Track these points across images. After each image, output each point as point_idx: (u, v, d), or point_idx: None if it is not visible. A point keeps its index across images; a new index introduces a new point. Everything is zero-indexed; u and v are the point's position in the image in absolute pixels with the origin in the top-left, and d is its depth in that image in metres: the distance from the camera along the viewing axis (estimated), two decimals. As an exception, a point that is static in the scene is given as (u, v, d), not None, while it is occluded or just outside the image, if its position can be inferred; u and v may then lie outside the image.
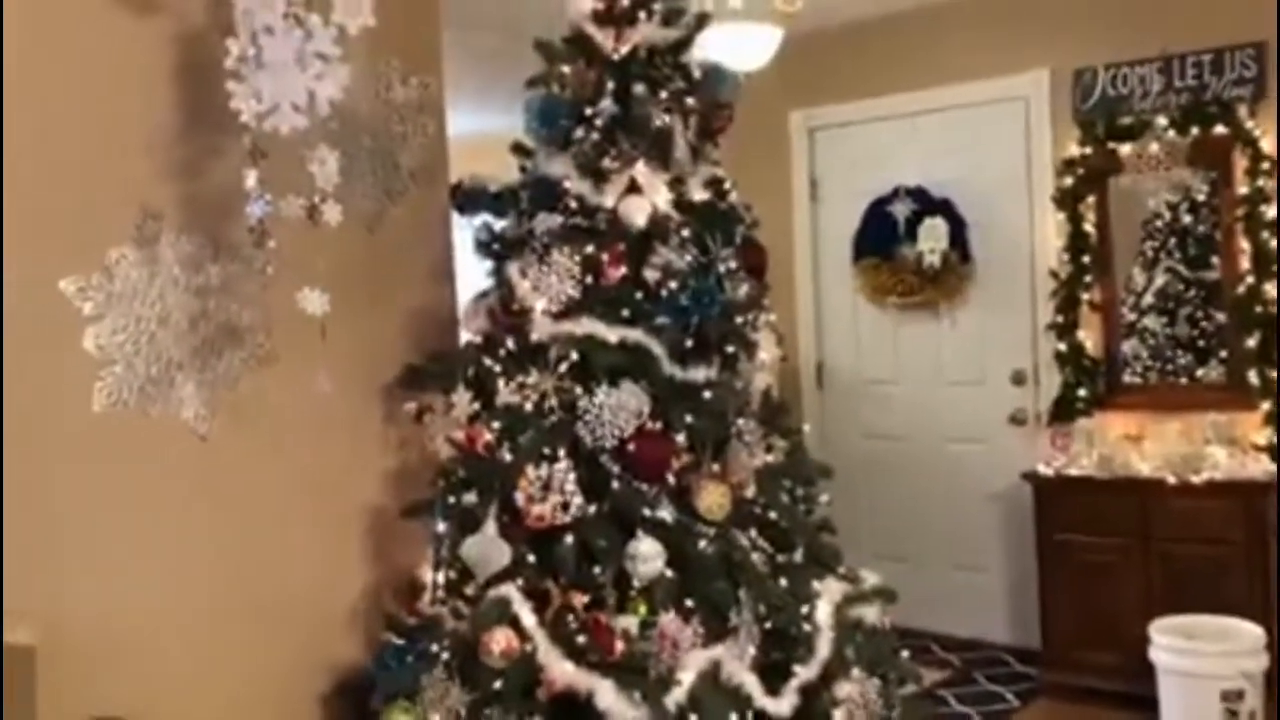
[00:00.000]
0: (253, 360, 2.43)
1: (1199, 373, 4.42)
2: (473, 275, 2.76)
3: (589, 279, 2.40)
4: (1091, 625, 4.20)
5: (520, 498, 2.30)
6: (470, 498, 2.40)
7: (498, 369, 2.47)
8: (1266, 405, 4.11)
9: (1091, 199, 4.55)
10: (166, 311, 2.28)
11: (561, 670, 2.20)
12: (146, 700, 2.17)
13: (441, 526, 2.45)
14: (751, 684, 2.26)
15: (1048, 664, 4.40)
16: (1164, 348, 4.51)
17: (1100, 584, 4.17)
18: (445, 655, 2.28)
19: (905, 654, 2.66)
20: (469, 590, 2.39)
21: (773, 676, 2.32)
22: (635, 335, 2.35)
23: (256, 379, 2.43)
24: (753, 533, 2.43)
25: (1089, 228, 4.57)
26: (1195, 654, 3.69)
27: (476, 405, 2.51)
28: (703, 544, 2.31)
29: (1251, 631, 3.70)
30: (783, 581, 2.40)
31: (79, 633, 2.12)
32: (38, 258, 2.10)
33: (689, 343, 2.38)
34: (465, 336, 2.73)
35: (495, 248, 2.63)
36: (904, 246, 5.06)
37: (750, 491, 2.41)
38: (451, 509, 2.44)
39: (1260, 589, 3.81)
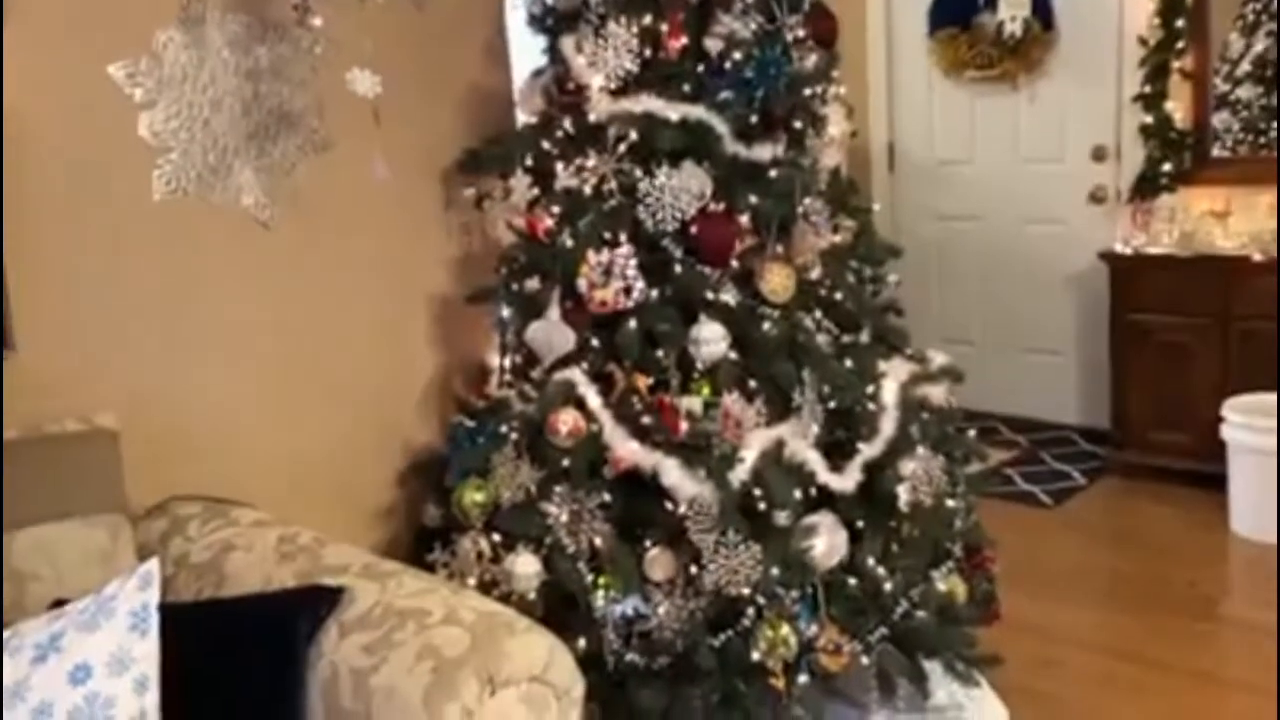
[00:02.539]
0: (308, 146, 2.39)
1: (1292, 144, 4.18)
2: (528, 54, 2.66)
3: (647, 52, 2.29)
4: (1164, 405, 4.16)
5: (582, 283, 2.28)
6: (533, 283, 2.39)
7: (555, 152, 2.41)
8: (1366, 177, 3.90)
9: (1191, -44, 4.21)
10: (218, 96, 2.24)
11: (627, 449, 2.23)
12: (225, 481, 2.24)
13: (506, 312, 2.45)
14: (815, 461, 2.28)
15: (1117, 443, 4.39)
16: (1258, 119, 4.26)
17: (1175, 364, 4.10)
18: (514, 436, 2.32)
19: (971, 433, 2.66)
20: (534, 374, 2.41)
21: (837, 455, 2.33)
22: (697, 112, 2.26)
23: (313, 165, 2.40)
24: (818, 314, 2.39)
25: (1185, -12, 4.25)
26: (1270, 431, 3.65)
27: (535, 190, 2.46)
28: (766, 326, 2.28)
29: (1330, 409, 3.64)
30: (847, 362, 2.38)
31: (159, 416, 2.18)
32: (84, 42, 2.05)
33: (753, 119, 2.29)
34: (522, 119, 2.66)
35: (549, 22, 2.51)
36: (983, 15, 4.77)
37: (816, 273, 2.36)
38: (514, 295, 2.43)
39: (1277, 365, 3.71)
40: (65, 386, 2.06)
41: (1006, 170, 4.98)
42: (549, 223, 2.39)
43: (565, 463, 2.27)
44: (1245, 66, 4.27)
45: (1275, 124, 4.22)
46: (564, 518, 2.26)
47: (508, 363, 2.47)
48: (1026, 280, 4.97)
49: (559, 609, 2.23)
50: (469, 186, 2.62)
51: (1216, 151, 4.34)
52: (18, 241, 1.98)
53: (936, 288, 5.09)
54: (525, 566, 2.26)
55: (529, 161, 2.48)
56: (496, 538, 2.34)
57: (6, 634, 1.54)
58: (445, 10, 2.59)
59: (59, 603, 1.69)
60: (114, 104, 2.11)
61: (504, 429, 2.36)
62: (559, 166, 2.40)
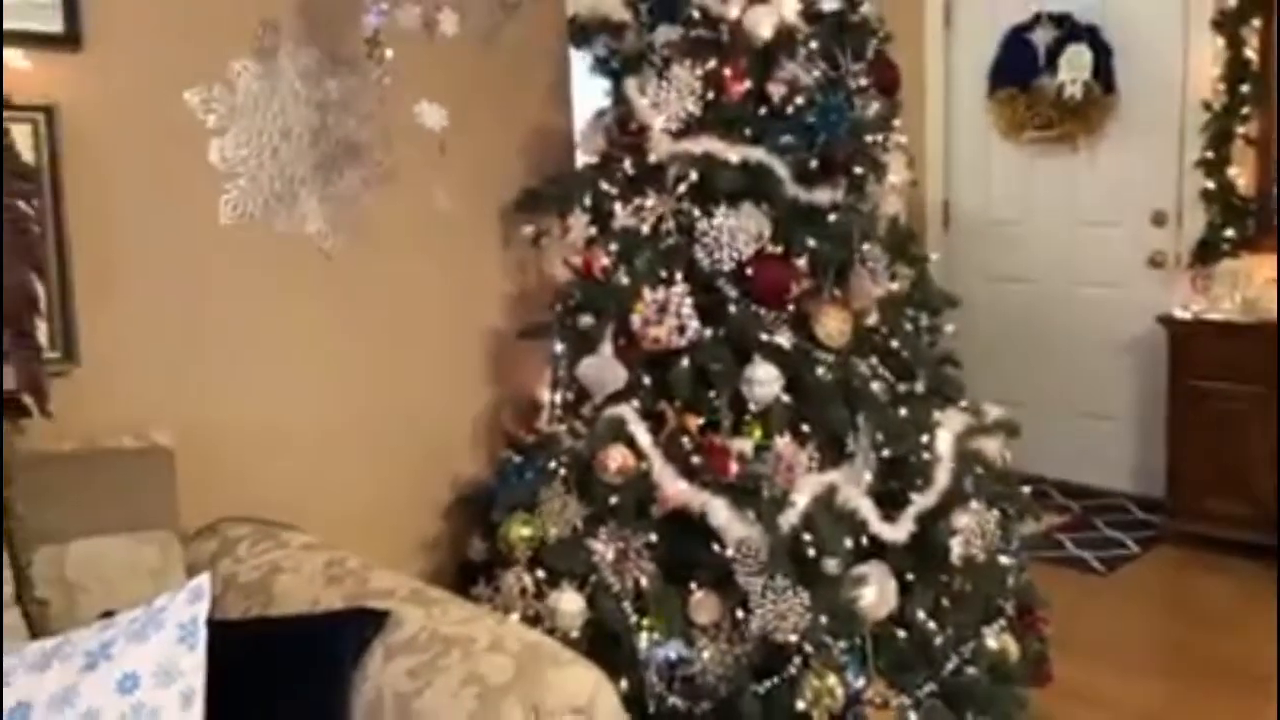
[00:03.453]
0: (372, 178, 2.43)
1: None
2: (590, 97, 2.69)
3: (710, 95, 2.31)
4: (1221, 474, 4.06)
5: (636, 320, 2.28)
6: (587, 320, 2.40)
7: (614, 191, 2.43)
8: None
9: (1256, 21, 4.19)
10: (288, 126, 2.29)
11: (676, 488, 2.22)
12: (273, 504, 2.25)
13: (559, 348, 2.46)
14: (867, 509, 2.25)
15: (1172, 512, 4.29)
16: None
17: (1234, 433, 4.01)
18: (563, 471, 2.32)
19: (1025, 490, 2.61)
20: (585, 410, 2.41)
21: (889, 504, 2.30)
22: (757, 154, 2.27)
23: (376, 197, 2.43)
24: (873, 360, 2.38)
25: (1251, 53, 4.22)
26: (1332, 505, 3.55)
27: (593, 229, 2.48)
28: (821, 370, 2.27)
29: (1396, 484, 3.53)
30: (902, 411, 2.36)
31: (213, 438, 2.21)
32: (163, 67, 2.11)
33: (814, 163, 2.30)
34: (582, 159, 2.69)
35: (613, 65, 2.55)
36: (1043, 77, 4.77)
37: (873, 319, 2.35)
38: (568, 331, 2.44)
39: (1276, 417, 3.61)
40: (124, 403, 2.09)
41: (1062, 232, 4.94)
42: (605, 261, 2.40)
43: (613, 500, 2.26)
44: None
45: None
46: (610, 556, 2.25)
47: (559, 398, 2.47)
48: (1080, 343, 4.91)
49: (602, 648, 2.20)
50: (527, 224, 2.64)
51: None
52: (88, 257, 2.02)
53: (986, 347, 5.04)
54: (569, 604, 2.24)
55: (587, 201, 2.50)
56: (541, 574, 2.33)
57: (58, 641, 1.55)
58: (511, 50, 2.64)
59: (107, 614, 1.69)
60: (188, 129, 2.16)
61: (552, 464, 2.36)
62: (617, 206, 2.42)
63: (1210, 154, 4.34)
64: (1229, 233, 4.29)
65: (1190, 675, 3.33)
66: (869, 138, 2.36)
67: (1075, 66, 4.64)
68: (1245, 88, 4.25)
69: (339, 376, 2.44)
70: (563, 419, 2.43)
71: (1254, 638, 3.56)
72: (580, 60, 2.75)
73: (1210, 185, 4.33)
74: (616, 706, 1.66)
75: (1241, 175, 4.31)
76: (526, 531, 2.33)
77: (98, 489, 1.92)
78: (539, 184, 2.62)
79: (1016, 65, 4.85)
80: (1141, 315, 4.52)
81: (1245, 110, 4.27)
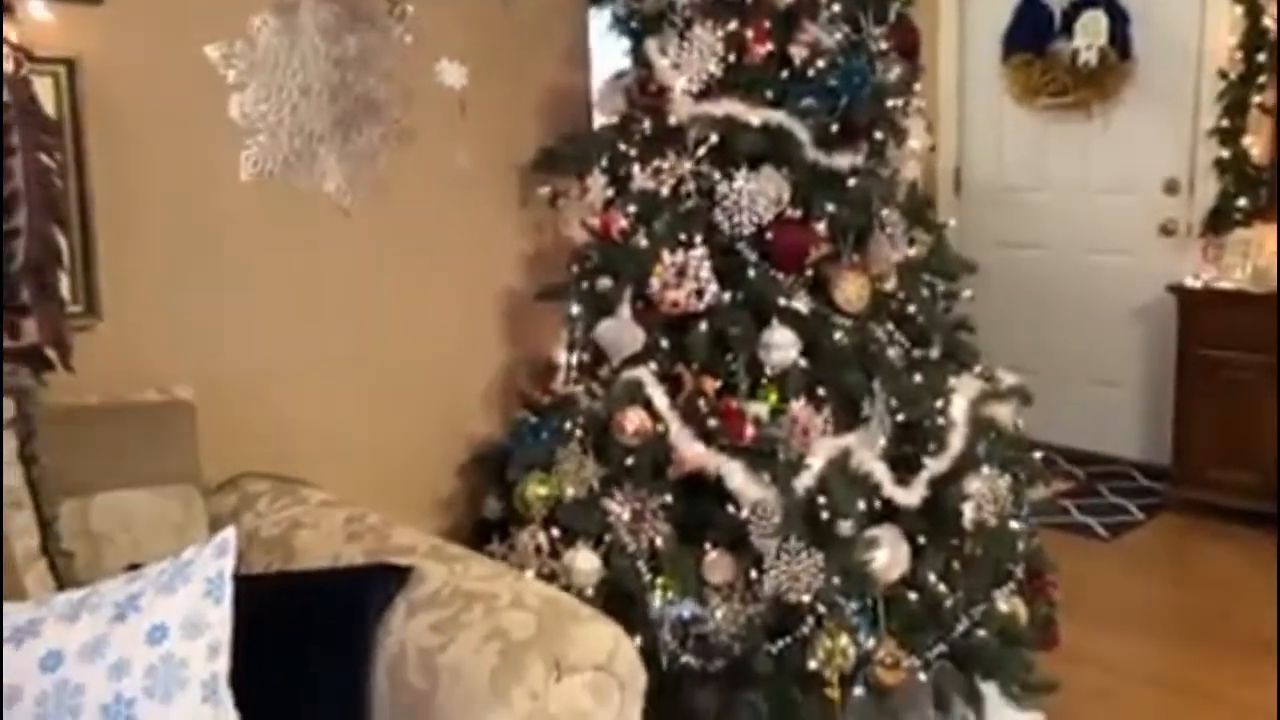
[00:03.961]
0: (391, 136, 2.41)
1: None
2: (608, 57, 2.68)
3: (732, 57, 2.30)
4: (1227, 442, 4.08)
5: (655, 283, 2.29)
6: (605, 282, 2.40)
7: (633, 153, 2.43)
8: None
9: (1275, -10, 4.16)
10: (307, 82, 2.27)
11: (693, 451, 2.23)
12: (291, 461, 2.27)
13: (576, 310, 2.47)
14: (881, 473, 2.26)
15: (1177, 480, 4.32)
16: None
17: (1241, 402, 4.03)
18: (579, 432, 2.33)
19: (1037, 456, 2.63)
20: (602, 372, 2.42)
21: (903, 468, 2.31)
22: (779, 117, 2.27)
23: (395, 155, 2.42)
24: (889, 326, 2.38)
25: (1269, 22, 4.19)
26: (1338, 475, 3.58)
27: (611, 190, 2.48)
28: (838, 335, 2.28)
29: (1402, 454, 3.55)
30: (917, 376, 2.37)
31: (233, 393, 2.22)
32: (184, 22, 2.10)
33: (834, 127, 2.29)
34: (600, 120, 2.68)
35: (633, 24, 2.53)
36: (1058, 43, 4.74)
37: (890, 284, 2.35)
38: (586, 293, 2.45)
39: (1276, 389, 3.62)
40: (146, 357, 2.10)
41: (1075, 199, 4.93)
42: (623, 223, 2.40)
43: (629, 461, 2.27)
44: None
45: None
46: (625, 516, 2.27)
47: (575, 360, 2.48)
48: (1090, 311, 4.91)
49: (616, 606, 2.21)
50: (544, 185, 2.63)
51: (1293, 188, 4.26)
52: (110, 211, 2.03)
53: (997, 314, 5.03)
54: (585, 562, 2.26)
55: (605, 162, 2.49)
56: (556, 533, 2.35)
57: (85, 592, 1.57)
58: (530, 8, 2.62)
59: (133, 567, 1.71)
60: (208, 84, 2.15)
61: (569, 425, 2.37)
62: (635, 168, 2.41)
63: (1225, 123, 4.32)
64: (1241, 202, 4.28)
65: (1193, 640, 3.37)
66: (890, 102, 2.35)
67: (1091, 32, 4.61)
68: (1262, 57, 4.22)
69: (356, 334, 2.45)
70: (579, 380, 2.43)
71: (1256, 604, 3.60)
72: (598, 19, 2.74)
73: (1224, 154, 4.32)
74: (635, 661, 1.69)
75: (1256, 145, 4.29)
76: (543, 491, 2.35)
77: (121, 442, 1.93)
78: (556, 144, 2.61)
79: (1031, 30, 4.82)
80: (1152, 284, 4.52)
81: (1261, 80, 4.24)
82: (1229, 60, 4.30)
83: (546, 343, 2.65)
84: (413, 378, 2.55)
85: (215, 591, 1.58)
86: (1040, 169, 5.02)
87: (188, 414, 2.04)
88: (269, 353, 2.30)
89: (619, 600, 2.26)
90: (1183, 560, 4.03)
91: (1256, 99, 4.26)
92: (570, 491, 2.33)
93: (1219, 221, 4.32)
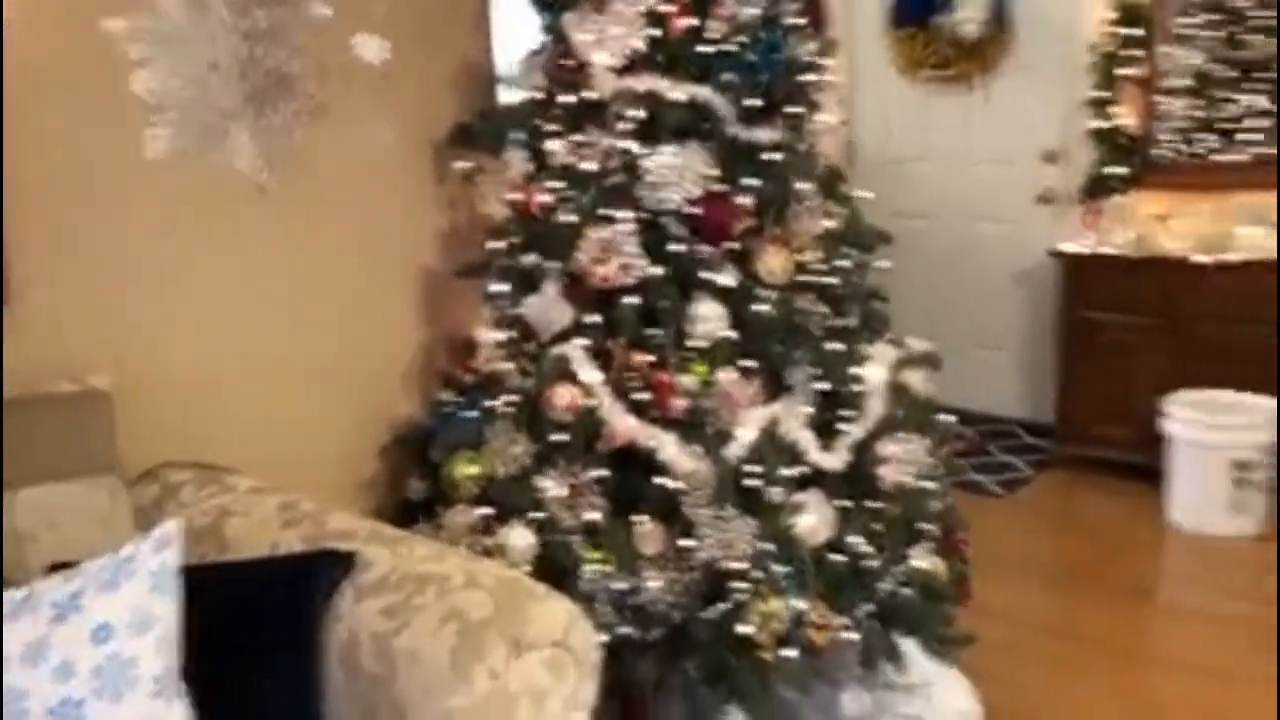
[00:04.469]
0: (304, 111, 2.36)
1: (1234, 154, 4.34)
2: (516, 31, 2.66)
3: (652, 32, 2.30)
4: (1108, 400, 4.30)
5: (583, 259, 2.29)
6: (529, 258, 2.39)
7: (553, 128, 2.41)
8: (1303, 185, 4.07)
9: (1144, -33, 4.36)
10: (216, 57, 2.20)
11: (624, 424, 2.25)
12: (214, 447, 2.22)
13: (499, 287, 2.45)
14: (807, 440, 2.32)
15: (1061, 437, 4.53)
16: (1193, 130, 4.42)
17: (1121, 361, 4.24)
18: (509, 409, 2.32)
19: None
20: (528, 349, 2.41)
21: (825, 435, 2.37)
22: (702, 93, 2.28)
23: (309, 131, 2.37)
24: (809, 296, 2.43)
25: (1138, -2, 4.39)
26: (1209, 426, 3.80)
27: (530, 166, 2.46)
28: (763, 306, 2.31)
29: (1266, 405, 3.80)
30: (837, 345, 2.42)
31: (147, 380, 2.14)
32: (84, -5, 2.01)
33: (755, 101, 2.32)
34: (517, 95, 2.65)
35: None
36: (941, 15, 4.87)
37: (810, 256, 2.40)
38: (509, 270, 2.43)
39: (1276, 365, 3.87)
40: (58, 346, 2.01)
41: (958, 170, 5.09)
42: (545, 199, 2.39)
43: (561, 437, 2.27)
44: (1185, 79, 4.43)
45: (1212, 133, 4.40)
46: (559, 492, 2.27)
47: (500, 337, 2.46)
48: (976, 278, 5.09)
49: (551, 582, 2.23)
50: (460, 161, 2.60)
51: (1162, 156, 4.48)
52: (15, 196, 1.93)
53: (891, 283, 5.18)
54: (520, 539, 2.26)
55: (523, 137, 2.47)
56: (485, 511, 2.33)
57: (21, 593, 1.50)
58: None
59: (60, 565, 1.65)
60: (112, 60, 2.06)
61: (496, 403, 2.36)
62: (556, 143, 2.40)
63: (1098, 94, 4.51)
64: (1115, 170, 4.49)
65: (1083, 589, 3.55)
66: (805, 77, 2.39)
67: (973, 5, 4.75)
68: (1132, 30, 4.42)
69: (272, 315, 2.38)
70: (505, 358, 2.42)
71: (1138, 553, 3.82)
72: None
73: (1098, 124, 4.52)
74: (590, 636, 1.70)
75: (1127, 115, 4.49)
76: (472, 470, 2.34)
77: (37, 436, 1.85)
78: (472, 119, 2.58)
79: (916, 3, 4.94)
80: (1033, 250, 4.71)
81: (1131, 53, 4.45)
82: (1102, 35, 4.48)
83: (467, 321, 2.62)
84: (331, 358, 2.50)
85: (161, 585, 1.54)
86: (925, 140, 5.16)
87: (104, 403, 1.96)
88: (184, 336, 2.23)
89: (554, 575, 2.26)
90: (1071, 514, 4.24)
91: (1127, 72, 4.47)
92: (501, 469, 2.32)
93: (1095, 189, 4.52)
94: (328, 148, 2.39)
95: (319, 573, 1.70)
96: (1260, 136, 4.26)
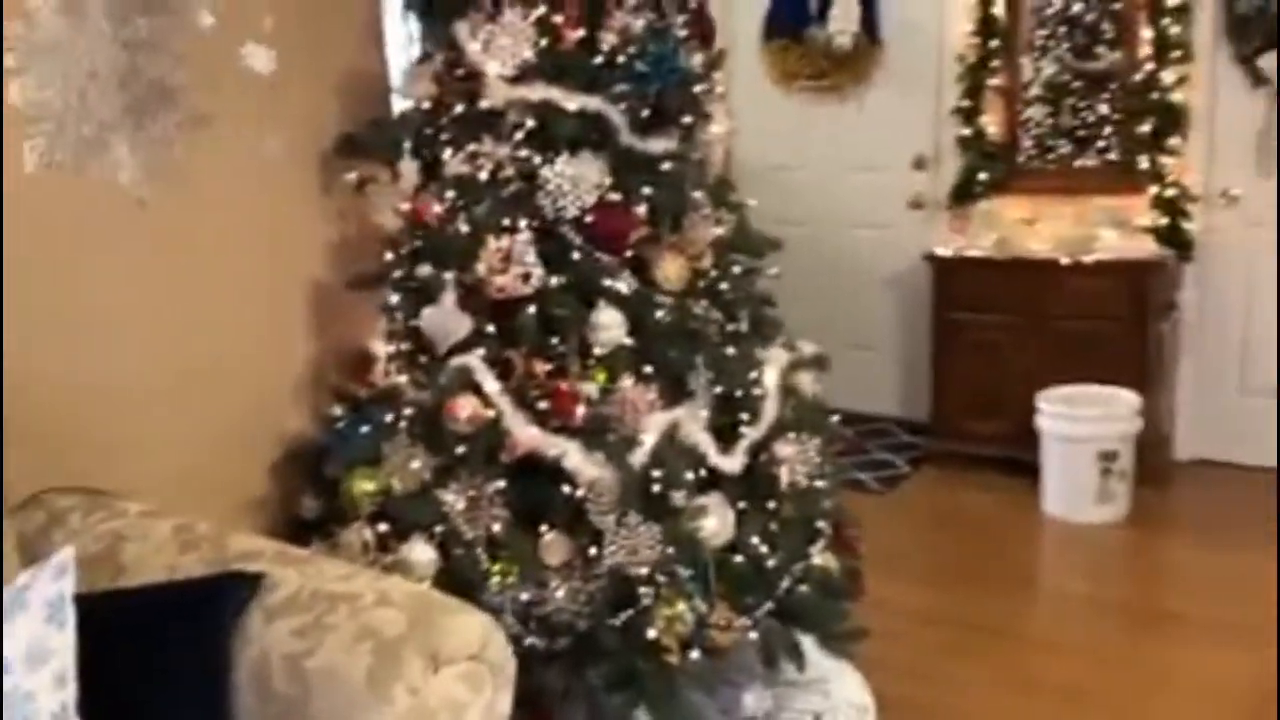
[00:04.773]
0: (187, 122, 2.29)
1: (1091, 160, 4.59)
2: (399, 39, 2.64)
3: (544, 42, 2.31)
4: (981, 397, 4.48)
5: (482, 269, 2.28)
6: (424, 269, 2.37)
7: (445, 137, 2.40)
8: (1154, 189, 4.32)
9: (1001, -20, 4.56)
10: (94, 67, 2.12)
11: (527, 434, 2.25)
12: (90, 472, 2.12)
13: (393, 299, 2.42)
14: (706, 443, 2.36)
15: (936, 434, 4.69)
16: (1058, 135, 4.65)
17: (991, 359, 4.43)
18: (405, 424, 2.30)
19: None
20: (424, 361, 2.39)
21: (725, 438, 2.42)
22: (595, 103, 2.30)
23: (192, 142, 2.30)
24: (704, 302, 2.47)
25: (998, 11, 4.59)
26: (1077, 419, 4.00)
27: (421, 176, 2.44)
28: (660, 313, 2.34)
29: (1129, 399, 4.02)
30: (732, 349, 2.47)
31: (23, 402, 2.05)
32: (-49, 1, 1.91)
33: (646, 112, 2.35)
34: (402, 104, 2.62)
35: (429, 6, 2.48)
36: (814, 27, 5.01)
37: (706, 263, 2.44)
38: (403, 281, 2.41)
39: (1139, 361, 4.10)
40: (-71, 370, 1.91)
41: (832, 177, 5.23)
42: (438, 209, 2.37)
43: (462, 449, 2.26)
44: (1040, 89, 4.67)
45: (1072, 141, 4.64)
46: (460, 505, 2.26)
47: (394, 349, 2.43)
48: (851, 281, 5.24)
49: (455, 596, 2.22)
50: (349, 171, 2.56)
51: (1025, 163, 4.71)
52: (-119, 211, 1.83)
53: (771, 287, 5.28)
54: (421, 554, 2.24)
55: (413, 146, 2.45)
56: (384, 527, 2.30)
57: (-94, 630, 1.43)
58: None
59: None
60: (-17, 69, 1.97)
61: (393, 417, 2.33)
62: (448, 152, 2.39)
63: (964, 103, 4.71)
64: (982, 176, 4.69)
65: (964, 579, 3.70)
66: (696, 88, 2.43)
67: (844, 18, 4.90)
68: (993, 43, 4.63)
69: (156, 331, 2.30)
70: (400, 370, 2.39)
71: (1015, 543, 3.99)
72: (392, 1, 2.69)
73: (966, 132, 4.71)
74: (505, 648, 1.70)
75: (992, 123, 4.70)
76: (370, 486, 2.30)
77: (-91, 465, 1.76)
78: (360, 129, 2.54)
79: (790, 15, 5.07)
80: (906, 254, 4.88)
81: (994, 63, 4.66)
82: (965, 46, 4.68)
83: (358, 333, 2.58)
84: (217, 375, 2.42)
85: (57, 616, 1.48)
86: (800, 149, 5.29)
87: (-17, 428, 1.88)
88: (63, 355, 2.13)
89: (457, 589, 2.24)
90: (949, 508, 4.40)
91: (991, 81, 4.67)
92: (398, 485, 2.30)
93: (963, 194, 4.71)
94: (211, 159, 2.33)
95: (225, 595, 1.65)
96: (1110, 144, 4.51)
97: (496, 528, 2.26)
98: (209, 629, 1.61)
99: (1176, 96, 4.26)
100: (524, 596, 2.25)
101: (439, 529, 2.26)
